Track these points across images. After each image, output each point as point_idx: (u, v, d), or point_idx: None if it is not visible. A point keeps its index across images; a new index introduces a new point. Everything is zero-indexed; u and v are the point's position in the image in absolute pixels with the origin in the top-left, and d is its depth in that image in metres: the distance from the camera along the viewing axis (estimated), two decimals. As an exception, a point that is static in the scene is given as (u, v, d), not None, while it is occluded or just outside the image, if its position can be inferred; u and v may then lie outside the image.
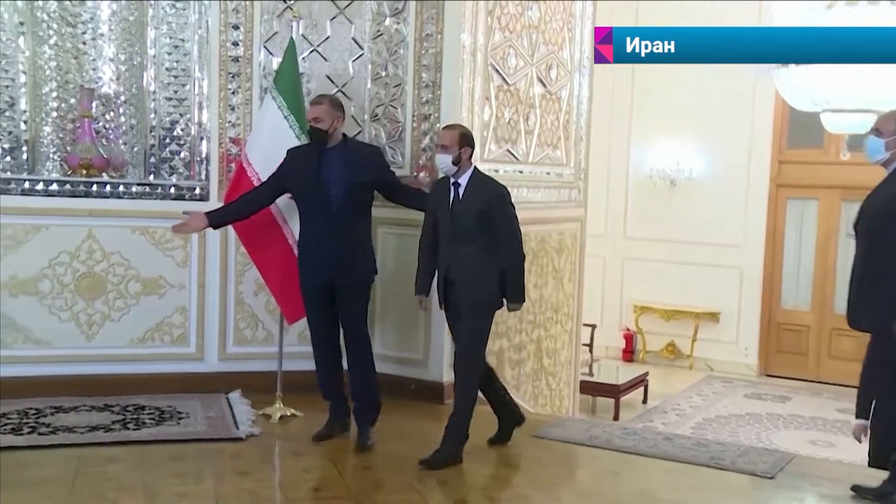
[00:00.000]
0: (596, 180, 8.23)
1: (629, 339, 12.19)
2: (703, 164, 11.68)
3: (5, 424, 4.89)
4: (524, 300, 4.79)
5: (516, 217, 4.67)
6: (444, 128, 4.91)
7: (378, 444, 4.92)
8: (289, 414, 5.35)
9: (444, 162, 4.63)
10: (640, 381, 10.16)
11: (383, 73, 5.91)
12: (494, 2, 6.00)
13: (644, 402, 10.20)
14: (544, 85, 6.76)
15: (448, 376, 5.88)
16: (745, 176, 11.39)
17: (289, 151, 5.01)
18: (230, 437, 4.89)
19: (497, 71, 6.16)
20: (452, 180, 4.66)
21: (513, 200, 4.70)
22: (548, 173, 6.93)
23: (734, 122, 11.28)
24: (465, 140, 4.65)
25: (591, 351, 10.46)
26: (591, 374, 9.72)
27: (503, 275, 4.62)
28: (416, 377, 5.87)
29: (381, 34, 5.90)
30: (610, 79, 11.13)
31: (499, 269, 4.61)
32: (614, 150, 11.90)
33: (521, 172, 6.53)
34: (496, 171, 6.23)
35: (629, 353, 12.18)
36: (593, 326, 10.54)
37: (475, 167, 4.73)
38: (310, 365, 5.82)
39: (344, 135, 4.96)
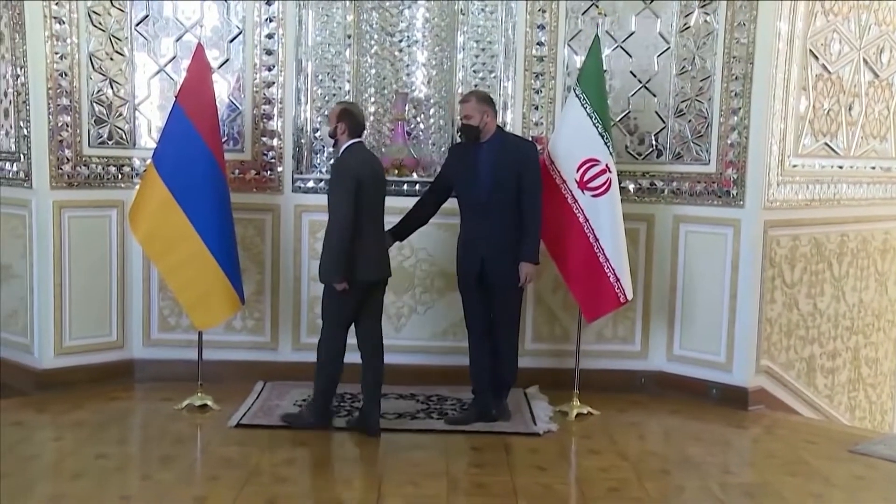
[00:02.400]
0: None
1: (967, 350, 10.85)
2: None
3: (327, 405, 5.35)
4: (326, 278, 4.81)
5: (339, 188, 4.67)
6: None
7: (675, 448, 4.81)
8: (585, 412, 5.34)
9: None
10: (981, 400, 9.01)
11: (689, 68, 5.70)
12: (816, -16, 5.60)
13: None
14: (874, 71, 6.19)
15: (755, 382, 5.60)
16: None
17: (451, 149, 5.35)
18: (528, 432, 4.97)
19: (816, 58, 5.73)
20: None
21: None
22: (873, 167, 6.36)
23: None
24: (342, 116, 4.78)
25: (918, 362, 9.46)
26: (918, 387, 8.80)
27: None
28: (718, 381, 5.64)
29: (688, 27, 5.68)
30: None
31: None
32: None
33: (840, 167, 6.05)
34: (811, 166, 5.83)
35: (967, 367, 10.84)
36: (922, 335, 9.52)
37: (353, 143, 4.81)
38: (605, 363, 5.81)
39: (499, 127, 5.03)
